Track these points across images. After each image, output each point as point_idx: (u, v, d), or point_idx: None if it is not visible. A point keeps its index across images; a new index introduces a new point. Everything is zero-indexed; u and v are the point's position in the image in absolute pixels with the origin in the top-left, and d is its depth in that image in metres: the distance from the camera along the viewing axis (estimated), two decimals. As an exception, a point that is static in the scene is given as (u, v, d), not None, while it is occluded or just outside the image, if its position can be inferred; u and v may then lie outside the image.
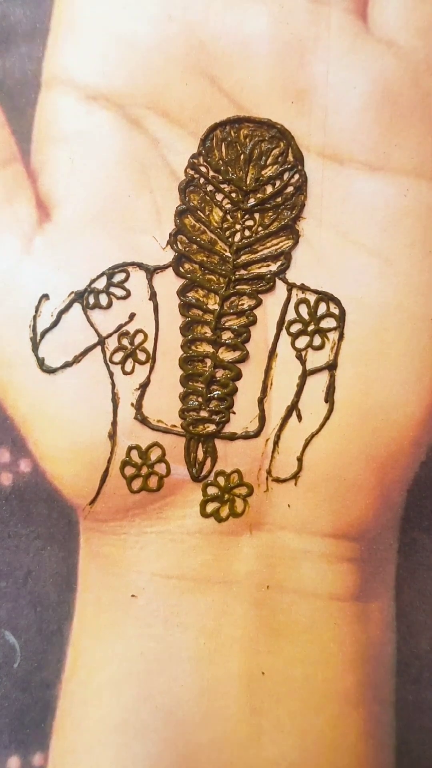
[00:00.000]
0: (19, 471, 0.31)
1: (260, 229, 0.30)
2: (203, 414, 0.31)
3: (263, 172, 0.30)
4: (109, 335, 0.30)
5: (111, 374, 0.30)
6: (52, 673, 0.32)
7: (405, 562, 0.32)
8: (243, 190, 0.30)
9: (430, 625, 0.32)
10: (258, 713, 0.31)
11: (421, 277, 0.30)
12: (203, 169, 0.30)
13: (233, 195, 0.30)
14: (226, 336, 0.31)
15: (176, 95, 0.30)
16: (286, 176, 0.30)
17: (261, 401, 0.31)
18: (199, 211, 0.30)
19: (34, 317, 0.30)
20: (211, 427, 0.31)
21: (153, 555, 0.31)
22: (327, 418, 0.31)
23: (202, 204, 0.30)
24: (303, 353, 0.31)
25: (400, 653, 0.32)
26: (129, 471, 0.31)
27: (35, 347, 0.30)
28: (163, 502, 0.31)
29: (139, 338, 0.31)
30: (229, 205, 0.30)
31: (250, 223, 0.30)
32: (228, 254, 0.30)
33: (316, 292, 0.30)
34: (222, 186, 0.30)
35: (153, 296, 0.30)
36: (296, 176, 0.30)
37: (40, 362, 0.30)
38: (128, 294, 0.30)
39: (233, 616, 0.31)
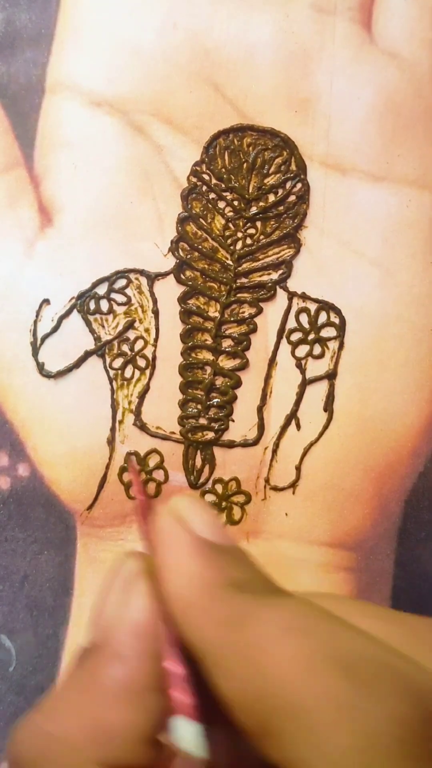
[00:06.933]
0: (17, 475, 0.31)
1: (262, 237, 0.30)
2: (202, 421, 0.31)
3: (266, 181, 0.30)
4: (110, 341, 0.30)
5: (110, 380, 0.30)
6: (47, 677, 0.32)
7: (402, 573, 0.32)
8: (245, 198, 0.30)
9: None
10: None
11: (422, 287, 0.30)
12: (206, 176, 0.30)
13: (235, 203, 0.30)
14: (227, 344, 0.31)
15: (180, 102, 0.30)
16: (288, 185, 0.30)
17: (260, 409, 0.31)
18: (201, 219, 0.30)
19: (35, 322, 0.30)
20: (210, 435, 0.31)
21: (150, 561, 0.31)
22: (326, 427, 0.31)
23: (204, 211, 0.30)
24: (303, 362, 0.31)
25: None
26: (127, 477, 0.31)
27: (35, 352, 0.30)
28: (161, 509, 0.31)
29: (139, 344, 0.31)
30: (231, 213, 0.30)
31: (251, 231, 0.30)
32: (229, 262, 0.30)
33: (316, 301, 0.30)
34: (224, 194, 0.30)
35: (154, 303, 0.30)
36: (299, 185, 0.30)
37: (40, 367, 0.30)
38: (129, 300, 0.30)
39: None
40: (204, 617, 0.19)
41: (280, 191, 0.30)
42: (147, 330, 0.31)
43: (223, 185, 0.30)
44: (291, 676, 0.17)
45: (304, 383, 0.31)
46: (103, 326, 0.30)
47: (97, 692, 0.21)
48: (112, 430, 0.31)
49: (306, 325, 0.30)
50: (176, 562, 0.21)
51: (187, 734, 0.18)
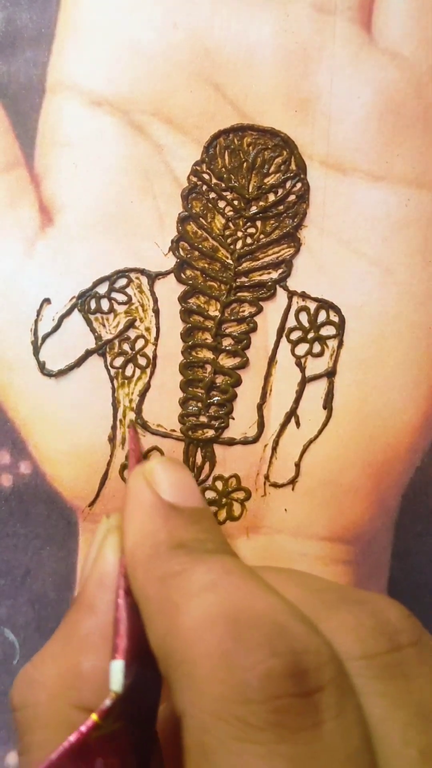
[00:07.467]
0: (19, 473, 0.31)
1: (262, 236, 0.30)
2: (202, 419, 0.31)
3: (266, 180, 0.30)
4: (110, 340, 0.31)
5: (111, 379, 0.31)
6: (48, 668, 0.32)
7: (398, 565, 0.32)
8: (245, 197, 0.30)
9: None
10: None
11: (421, 286, 0.31)
12: (206, 176, 0.30)
13: (235, 202, 0.30)
14: (227, 342, 0.31)
15: (180, 102, 0.30)
16: (288, 185, 0.30)
17: (260, 407, 0.31)
18: (201, 218, 0.30)
19: (36, 321, 0.30)
20: (210, 433, 0.31)
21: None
22: (325, 424, 0.31)
23: (205, 211, 0.30)
24: (302, 360, 0.31)
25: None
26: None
27: (36, 351, 0.31)
28: (162, 506, 0.31)
29: (139, 343, 0.31)
30: (231, 213, 0.30)
31: (252, 230, 0.30)
32: (229, 261, 0.30)
33: (316, 300, 0.31)
34: (224, 193, 0.30)
35: (154, 302, 0.31)
36: (299, 185, 0.30)
37: (41, 366, 0.31)
38: (130, 299, 0.31)
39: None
40: (145, 573, 0.20)
41: (280, 191, 0.30)
42: (148, 329, 0.31)
43: (223, 185, 0.30)
44: (190, 631, 0.18)
45: (304, 381, 0.31)
46: (104, 325, 0.31)
47: (73, 641, 0.22)
48: (113, 428, 0.31)
49: (306, 324, 0.31)
50: (135, 520, 0.22)
51: (114, 673, 0.19)
